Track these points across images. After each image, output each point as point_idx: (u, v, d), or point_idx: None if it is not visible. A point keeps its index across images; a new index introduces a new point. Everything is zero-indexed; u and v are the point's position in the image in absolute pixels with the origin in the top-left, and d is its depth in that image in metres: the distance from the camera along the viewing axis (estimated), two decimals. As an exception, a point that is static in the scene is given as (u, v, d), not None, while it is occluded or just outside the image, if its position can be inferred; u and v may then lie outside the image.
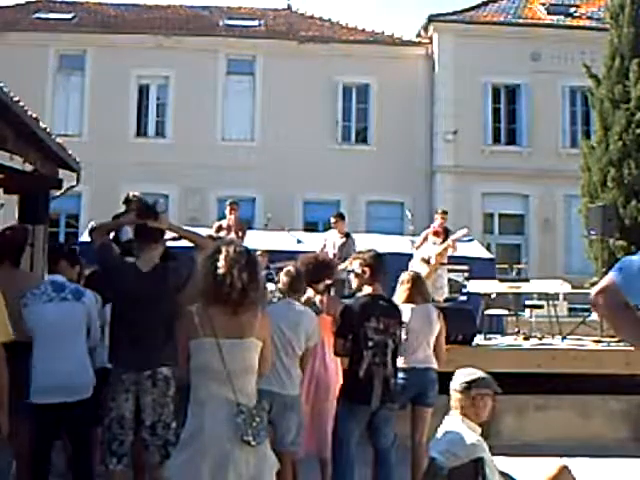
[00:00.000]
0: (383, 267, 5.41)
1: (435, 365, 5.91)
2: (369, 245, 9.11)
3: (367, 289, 5.33)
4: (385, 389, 5.09)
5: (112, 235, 7.00)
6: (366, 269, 5.32)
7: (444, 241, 9.80)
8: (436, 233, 9.97)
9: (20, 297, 4.85)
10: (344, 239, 10.40)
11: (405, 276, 6.18)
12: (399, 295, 6.00)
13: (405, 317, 5.81)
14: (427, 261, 9.61)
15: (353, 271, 5.43)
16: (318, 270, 5.59)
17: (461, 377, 4.05)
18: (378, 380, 5.06)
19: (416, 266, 9.59)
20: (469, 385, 3.99)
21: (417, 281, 6.11)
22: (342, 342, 5.17)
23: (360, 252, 5.73)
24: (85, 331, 4.79)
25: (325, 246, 10.41)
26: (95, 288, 5.12)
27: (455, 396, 4.03)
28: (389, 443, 5.20)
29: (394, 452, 5.27)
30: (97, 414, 4.60)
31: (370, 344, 5.08)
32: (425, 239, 10.13)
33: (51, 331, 4.68)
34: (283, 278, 5.31)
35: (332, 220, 10.82)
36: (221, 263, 3.53)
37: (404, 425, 5.81)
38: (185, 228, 5.24)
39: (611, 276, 2.70)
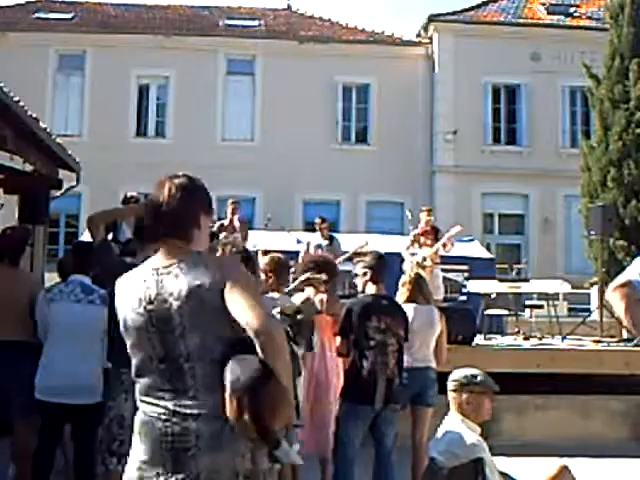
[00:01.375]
0: (385, 268, 5.43)
1: (434, 364, 5.90)
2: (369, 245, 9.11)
3: (371, 289, 5.36)
4: (388, 389, 5.06)
5: (111, 235, 6.97)
6: (368, 271, 5.36)
7: (435, 240, 9.72)
8: (425, 233, 9.89)
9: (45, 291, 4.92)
10: (328, 241, 10.34)
11: (406, 277, 6.19)
12: (400, 296, 6.00)
13: (408, 317, 5.81)
14: (422, 263, 9.54)
15: (356, 275, 5.46)
16: (320, 270, 5.57)
17: (457, 376, 4.05)
18: (381, 380, 5.04)
19: (409, 269, 9.55)
20: (464, 384, 3.99)
21: (419, 282, 6.11)
22: (345, 342, 5.17)
23: (362, 254, 5.71)
24: (105, 337, 4.67)
25: (308, 250, 10.26)
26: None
27: (451, 395, 4.03)
28: (391, 444, 5.20)
29: (395, 453, 5.27)
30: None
31: (372, 344, 5.07)
32: (416, 240, 10.01)
33: (72, 332, 4.65)
34: (266, 267, 5.06)
35: (319, 223, 10.59)
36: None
37: (404, 425, 5.81)
38: None
39: (628, 274, 2.75)
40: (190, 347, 2.43)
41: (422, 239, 9.83)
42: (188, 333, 2.43)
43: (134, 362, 2.58)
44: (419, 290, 6.03)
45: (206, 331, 2.42)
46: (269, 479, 2.45)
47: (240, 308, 2.36)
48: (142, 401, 2.59)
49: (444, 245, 9.69)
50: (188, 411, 2.41)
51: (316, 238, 10.44)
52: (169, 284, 2.46)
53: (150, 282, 2.50)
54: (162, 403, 2.47)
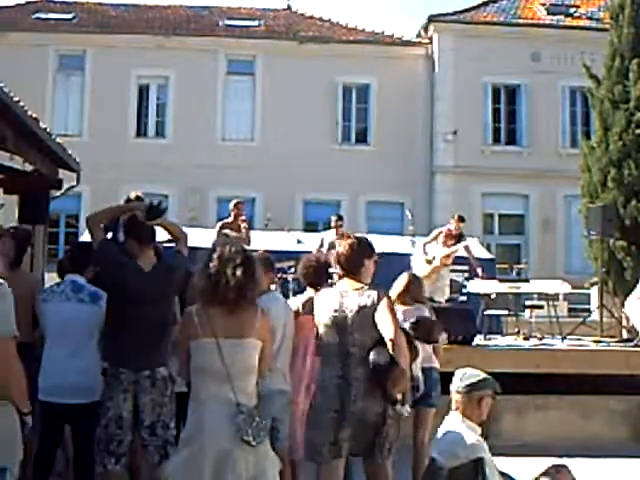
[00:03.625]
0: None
1: (437, 364, 5.89)
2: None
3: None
4: None
5: (110, 235, 6.95)
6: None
7: (454, 245, 9.92)
8: (449, 236, 10.04)
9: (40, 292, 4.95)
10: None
11: (401, 277, 6.15)
12: (391, 295, 5.96)
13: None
14: (430, 261, 9.72)
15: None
16: (321, 271, 5.55)
17: (463, 378, 4.03)
18: None
19: (418, 261, 9.69)
20: (472, 387, 3.97)
21: (411, 283, 6.07)
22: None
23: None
24: (98, 335, 4.71)
25: (322, 245, 10.39)
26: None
27: (456, 397, 4.02)
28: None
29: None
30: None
31: None
32: (435, 238, 10.18)
33: (64, 331, 4.65)
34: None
35: (334, 221, 10.84)
36: (214, 263, 3.54)
37: (405, 425, 5.79)
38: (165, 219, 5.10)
39: None
40: (356, 339, 4.11)
41: (443, 238, 10.00)
42: (355, 331, 4.11)
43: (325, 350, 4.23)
44: (407, 291, 6.00)
45: (365, 332, 4.09)
46: (389, 421, 4.12)
47: (383, 322, 4.04)
48: (323, 370, 4.24)
49: (455, 252, 9.91)
50: (350, 376, 4.08)
51: (330, 235, 10.57)
52: (347, 302, 4.16)
53: (338, 299, 4.20)
54: (335, 372, 4.13)
